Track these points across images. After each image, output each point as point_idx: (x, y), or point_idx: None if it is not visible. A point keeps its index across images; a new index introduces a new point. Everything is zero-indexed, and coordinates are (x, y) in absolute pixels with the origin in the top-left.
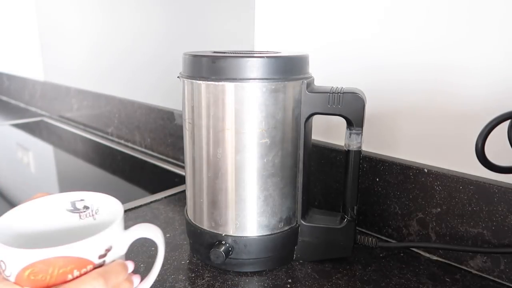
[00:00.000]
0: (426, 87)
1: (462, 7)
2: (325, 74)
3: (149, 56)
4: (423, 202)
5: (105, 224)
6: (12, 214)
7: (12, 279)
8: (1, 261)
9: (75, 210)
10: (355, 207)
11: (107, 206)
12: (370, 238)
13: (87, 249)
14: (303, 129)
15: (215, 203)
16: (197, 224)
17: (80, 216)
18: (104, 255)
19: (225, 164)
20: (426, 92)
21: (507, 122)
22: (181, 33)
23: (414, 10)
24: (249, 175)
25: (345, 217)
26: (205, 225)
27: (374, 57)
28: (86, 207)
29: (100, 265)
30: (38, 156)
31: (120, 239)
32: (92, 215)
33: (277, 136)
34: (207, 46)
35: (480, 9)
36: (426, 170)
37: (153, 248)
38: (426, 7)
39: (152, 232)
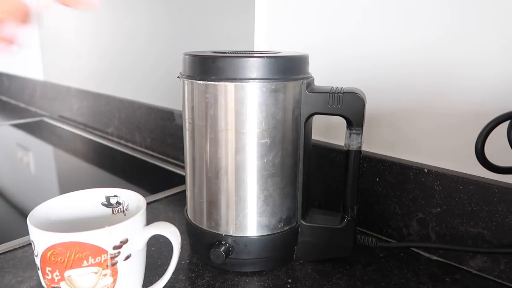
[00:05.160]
0: (426, 87)
1: (463, 6)
2: (325, 74)
3: (149, 56)
4: (423, 202)
5: None
6: (49, 203)
7: (39, 258)
8: (32, 241)
9: (109, 204)
10: (355, 207)
11: (136, 204)
12: (370, 238)
13: (102, 238)
14: (303, 129)
15: (215, 203)
16: (197, 224)
17: (112, 211)
18: (119, 247)
19: (225, 164)
20: (426, 92)
21: (507, 122)
22: (181, 33)
23: (415, 9)
24: (249, 175)
25: (345, 217)
26: (205, 225)
27: (374, 57)
28: (119, 203)
29: (115, 256)
30: (38, 156)
31: (136, 233)
32: (123, 211)
33: (277, 136)
34: (207, 46)
35: (480, 9)
36: (426, 170)
37: (153, 249)
38: (426, 6)
39: (168, 229)
